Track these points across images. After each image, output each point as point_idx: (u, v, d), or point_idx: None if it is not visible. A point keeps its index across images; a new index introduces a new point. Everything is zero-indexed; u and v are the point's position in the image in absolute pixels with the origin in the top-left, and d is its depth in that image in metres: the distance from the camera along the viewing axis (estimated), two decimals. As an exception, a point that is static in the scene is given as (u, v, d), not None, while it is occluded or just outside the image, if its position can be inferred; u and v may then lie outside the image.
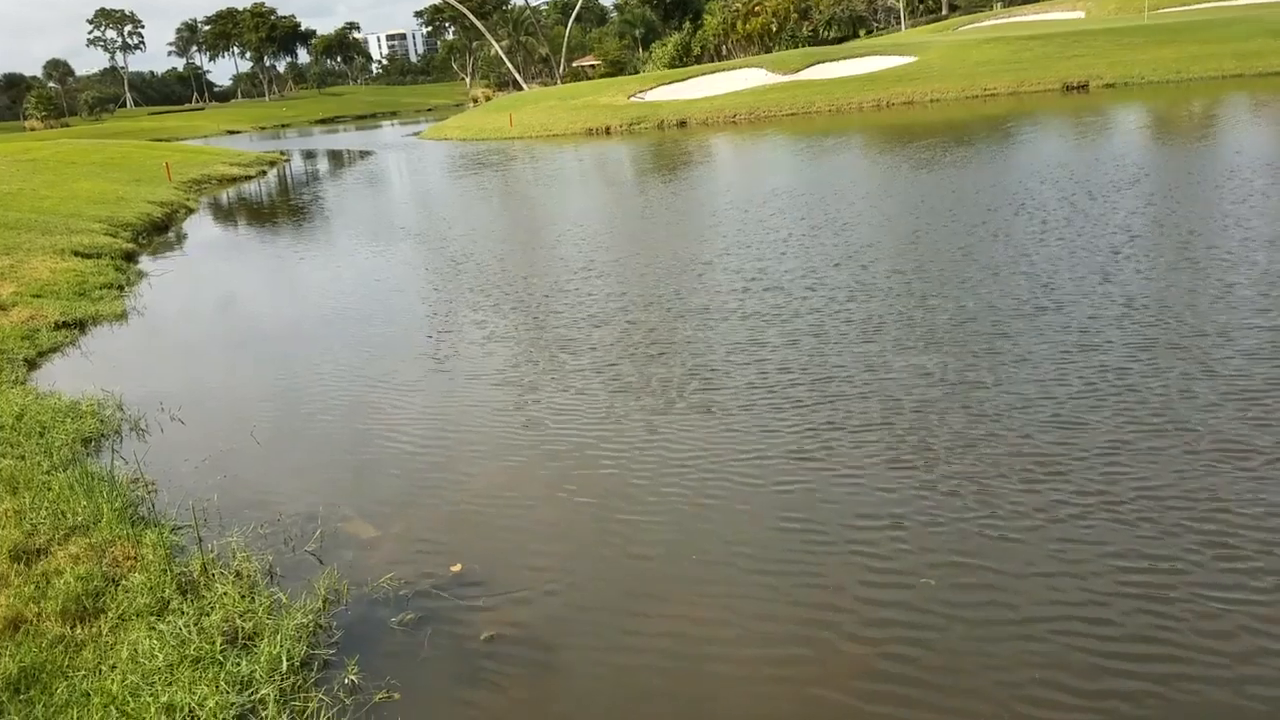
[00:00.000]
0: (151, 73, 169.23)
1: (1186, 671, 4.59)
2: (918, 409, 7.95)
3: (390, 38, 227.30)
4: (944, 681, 4.68)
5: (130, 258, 20.52)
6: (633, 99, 54.05)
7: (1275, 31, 41.84)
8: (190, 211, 29.98)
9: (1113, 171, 18.78)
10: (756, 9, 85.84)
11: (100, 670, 5.04)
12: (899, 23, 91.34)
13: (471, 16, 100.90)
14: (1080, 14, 69.27)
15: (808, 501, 6.57)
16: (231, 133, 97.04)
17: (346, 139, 73.98)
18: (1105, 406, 7.61)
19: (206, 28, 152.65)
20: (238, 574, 6.05)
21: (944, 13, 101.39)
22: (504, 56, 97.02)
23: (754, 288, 12.55)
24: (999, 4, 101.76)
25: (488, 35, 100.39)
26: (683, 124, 45.65)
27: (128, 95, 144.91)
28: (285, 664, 5.01)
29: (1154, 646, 4.77)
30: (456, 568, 6.09)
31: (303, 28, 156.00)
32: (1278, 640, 4.74)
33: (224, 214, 31.13)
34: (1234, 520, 5.79)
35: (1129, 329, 9.39)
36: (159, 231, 25.33)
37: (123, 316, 14.84)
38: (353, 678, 5.00)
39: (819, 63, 53.59)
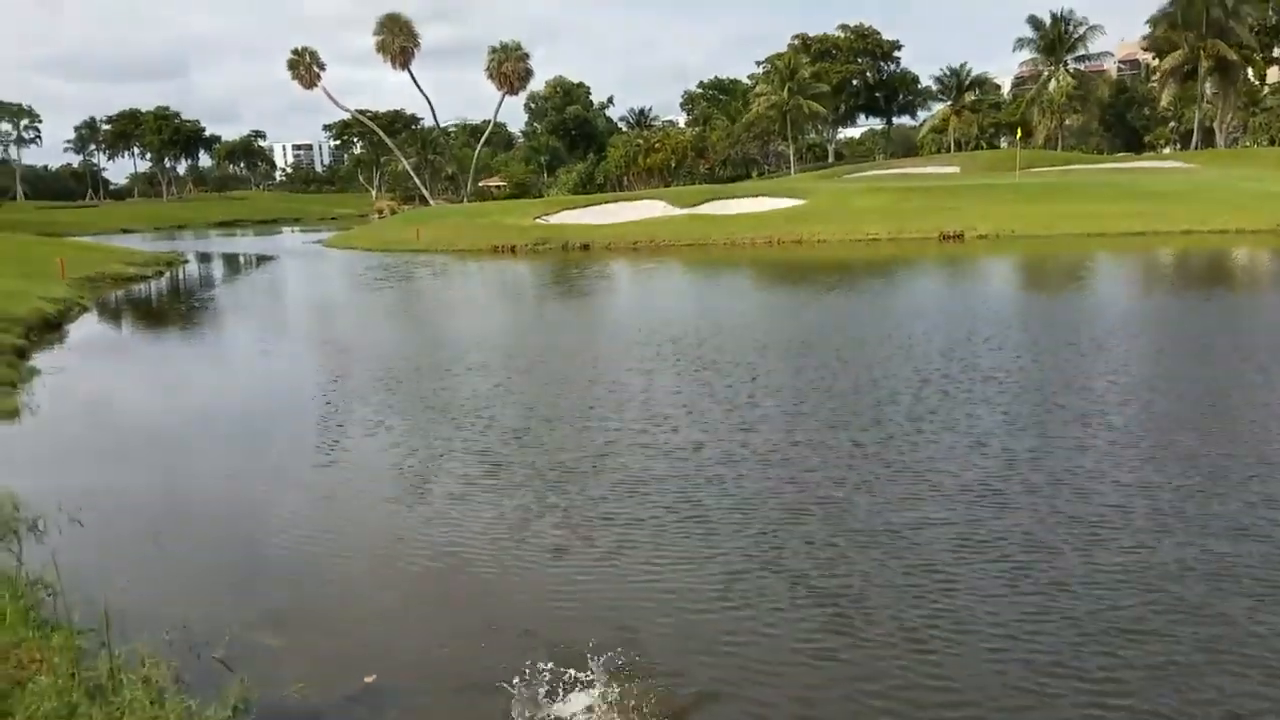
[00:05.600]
0: (45, 167, 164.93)
1: None
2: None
3: (296, 147, 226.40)
4: None
5: (22, 354, 20.12)
6: (538, 220, 55.35)
7: (1134, 195, 45.60)
8: (84, 310, 29.45)
9: (979, 324, 20.21)
10: (657, 145, 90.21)
11: (9, 776, 5.11)
12: (788, 167, 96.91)
13: (381, 134, 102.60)
14: (955, 169, 74.64)
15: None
16: (126, 231, 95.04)
17: (246, 243, 73.37)
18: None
19: (107, 127, 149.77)
20: (146, 680, 6.10)
21: (830, 160, 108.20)
22: (411, 172, 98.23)
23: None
24: (880, 156, 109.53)
25: (396, 152, 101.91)
26: (586, 247, 46.89)
27: (19, 188, 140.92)
28: (198, 771, 5.16)
29: None
30: (370, 679, 6.30)
31: (207, 133, 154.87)
32: None
33: (120, 314, 30.66)
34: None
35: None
36: (52, 329, 24.85)
37: (15, 414, 14.62)
38: (266, 788, 5.17)
39: (715, 199, 55.91)
